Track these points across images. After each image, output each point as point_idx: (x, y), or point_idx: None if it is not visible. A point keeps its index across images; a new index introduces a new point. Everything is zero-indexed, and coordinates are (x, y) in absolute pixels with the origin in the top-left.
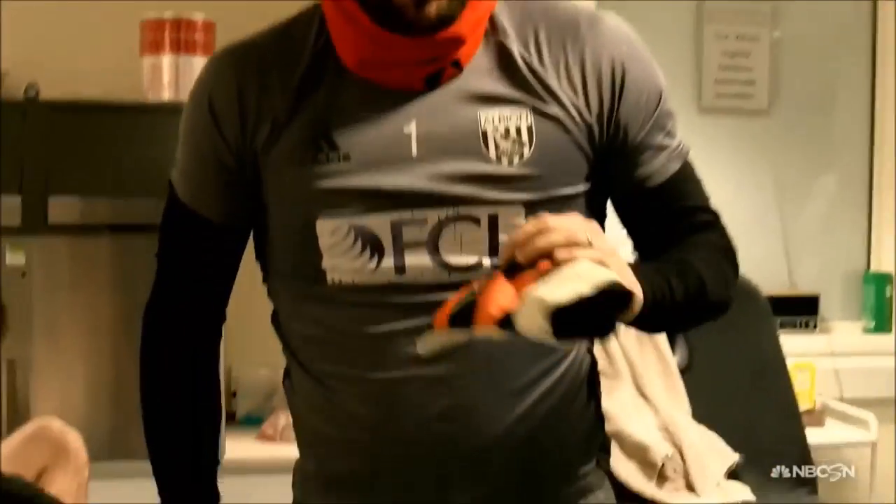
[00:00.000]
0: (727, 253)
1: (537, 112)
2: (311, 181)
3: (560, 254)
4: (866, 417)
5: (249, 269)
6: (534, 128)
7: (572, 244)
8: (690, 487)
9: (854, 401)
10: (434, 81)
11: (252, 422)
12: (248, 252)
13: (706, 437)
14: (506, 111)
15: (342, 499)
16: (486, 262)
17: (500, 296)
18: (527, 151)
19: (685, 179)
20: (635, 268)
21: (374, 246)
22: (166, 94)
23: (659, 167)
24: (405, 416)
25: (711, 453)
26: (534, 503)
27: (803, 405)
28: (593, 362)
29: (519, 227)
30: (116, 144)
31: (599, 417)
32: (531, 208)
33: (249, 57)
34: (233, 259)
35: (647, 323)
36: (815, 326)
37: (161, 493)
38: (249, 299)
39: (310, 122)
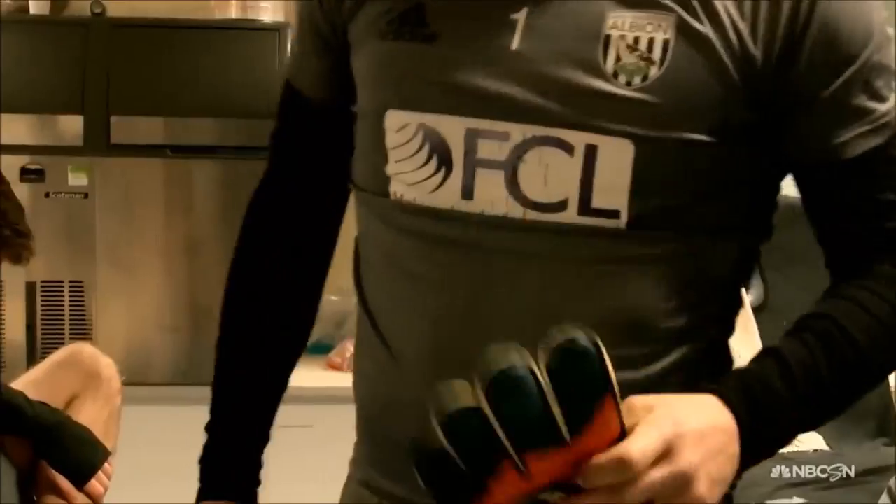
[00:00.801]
0: None
1: (683, 26)
2: (389, 60)
3: None
4: None
5: None
6: (671, 45)
7: None
8: None
9: None
10: None
11: (321, 349)
12: None
13: None
14: (641, 17)
15: (382, 477)
16: (574, 205)
17: None
18: (654, 72)
19: (889, 171)
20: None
21: (442, 156)
22: (234, 12)
23: (850, 137)
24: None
25: None
26: None
27: None
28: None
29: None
30: (181, 63)
31: None
32: (642, 146)
33: None
34: (337, 152)
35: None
36: None
37: (214, 412)
38: None
39: None
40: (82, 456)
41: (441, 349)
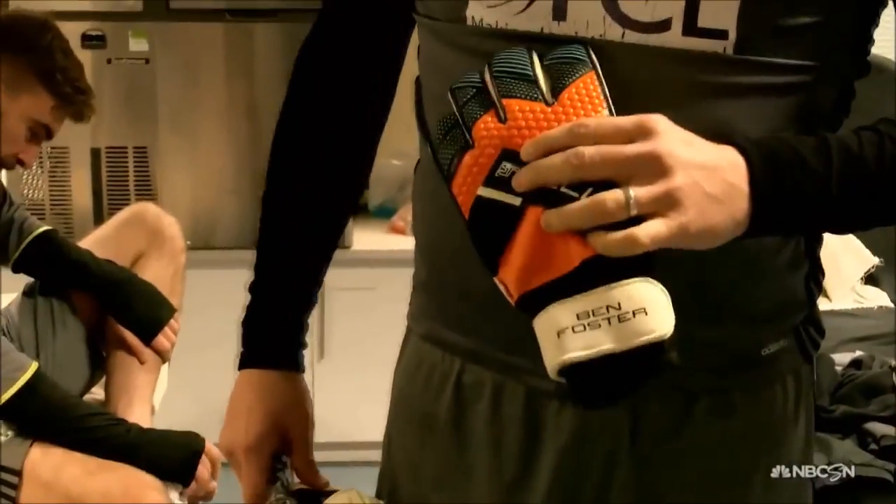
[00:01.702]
0: None
1: None
2: None
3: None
4: None
5: None
6: None
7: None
8: (823, 292)
9: None
10: None
11: (385, 213)
12: None
13: (842, 239)
14: None
15: (447, 329)
16: (678, 24)
17: (520, 253)
18: None
19: None
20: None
21: None
22: None
23: None
24: None
25: (847, 255)
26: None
27: None
28: None
29: None
30: None
31: (811, 282)
32: None
33: None
34: None
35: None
36: None
37: (258, 271)
38: None
39: None
40: (149, 312)
41: None
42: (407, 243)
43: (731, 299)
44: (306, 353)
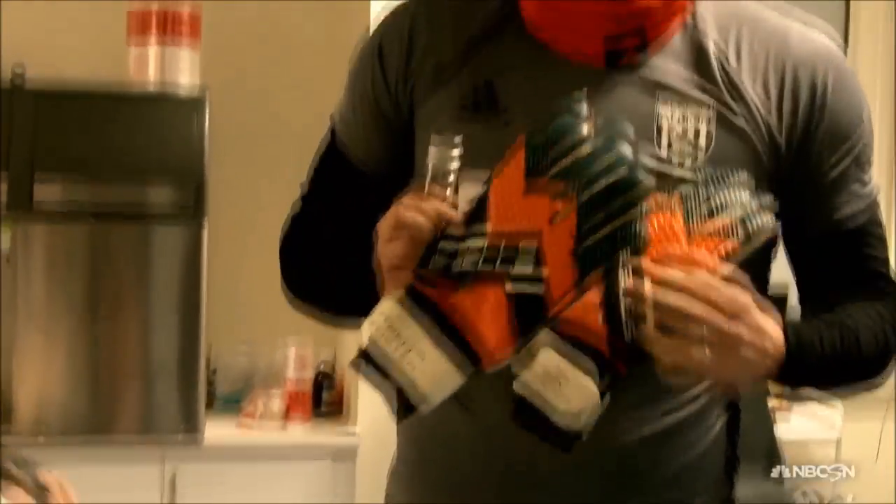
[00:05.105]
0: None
1: (721, 118)
2: (464, 139)
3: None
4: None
5: (232, 250)
6: (713, 134)
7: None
8: None
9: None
10: (614, 60)
11: (231, 401)
12: (233, 230)
13: None
14: (687, 111)
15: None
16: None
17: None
18: (701, 156)
19: (872, 232)
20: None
21: None
22: (152, 84)
23: (850, 213)
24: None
25: None
26: None
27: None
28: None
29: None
30: (102, 130)
31: (730, 473)
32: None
33: (430, 6)
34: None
35: (790, 376)
36: None
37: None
38: (229, 279)
39: (474, 78)
40: None
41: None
42: (257, 437)
43: (678, 480)
44: None
